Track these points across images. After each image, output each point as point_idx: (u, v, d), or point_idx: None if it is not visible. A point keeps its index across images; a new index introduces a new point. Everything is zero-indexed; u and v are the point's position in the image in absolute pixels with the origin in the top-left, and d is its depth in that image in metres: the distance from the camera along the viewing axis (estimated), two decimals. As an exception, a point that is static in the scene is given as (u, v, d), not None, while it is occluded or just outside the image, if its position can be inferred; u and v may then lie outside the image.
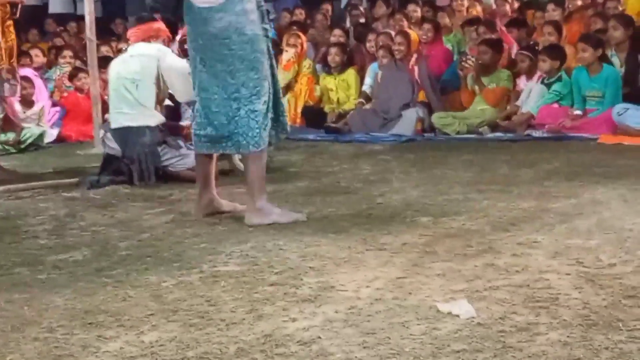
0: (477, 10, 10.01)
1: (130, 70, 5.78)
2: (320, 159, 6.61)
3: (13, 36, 6.32)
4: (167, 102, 6.12)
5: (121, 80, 5.80)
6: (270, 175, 5.66)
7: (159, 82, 5.78)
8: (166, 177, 5.78)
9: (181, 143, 5.89)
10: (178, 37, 6.58)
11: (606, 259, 3.24)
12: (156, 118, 5.79)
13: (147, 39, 5.92)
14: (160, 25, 6.07)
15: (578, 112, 7.51)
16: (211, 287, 3.11)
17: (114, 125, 5.85)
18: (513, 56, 8.49)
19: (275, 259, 3.48)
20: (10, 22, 6.27)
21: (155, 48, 5.83)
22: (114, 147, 5.83)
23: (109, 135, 5.88)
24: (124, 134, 5.76)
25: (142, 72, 5.75)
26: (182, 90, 5.75)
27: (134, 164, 5.67)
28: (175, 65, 5.75)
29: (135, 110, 5.74)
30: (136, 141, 5.70)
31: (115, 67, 5.95)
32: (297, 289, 3.03)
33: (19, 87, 6.48)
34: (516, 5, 10.27)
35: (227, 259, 3.52)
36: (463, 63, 8.35)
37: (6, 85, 6.22)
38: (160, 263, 3.50)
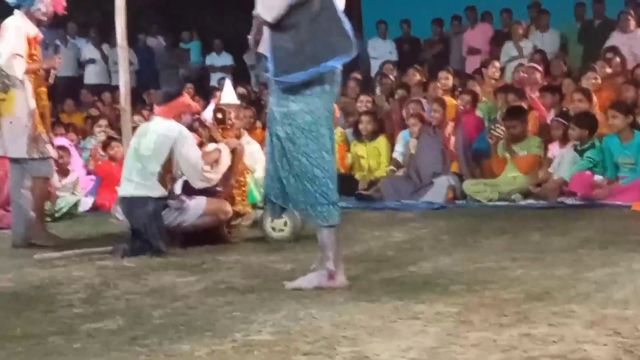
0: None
1: (144, 145, 5.85)
2: (352, 227, 6.61)
3: (45, 102, 6.46)
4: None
5: (135, 150, 5.90)
6: (301, 243, 5.72)
7: (169, 163, 5.81)
8: (188, 236, 5.89)
9: (183, 197, 5.91)
10: (212, 107, 6.67)
11: (644, 329, 3.19)
12: (159, 191, 5.80)
13: (177, 115, 6.00)
14: (187, 99, 6.18)
15: (599, 177, 7.49)
16: (244, 356, 3.09)
17: (121, 193, 5.94)
18: (549, 122, 8.49)
19: (308, 328, 3.46)
20: (42, 89, 6.41)
21: (177, 130, 5.85)
22: (121, 218, 5.92)
23: (118, 207, 5.96)
24: (129, 204, 5.83)
25: (154, 150, 5.79)
26: (192, 179, 5.89)
27: (141, 236, 5.72)
28: (189, 158, 5.82)
29: (143, 179, 5.79)
30: (140, 212, 5.74)
31: (137, 135, 6.04)
32: (330, 358, 3.01)
33: (53, 151, 6.57)
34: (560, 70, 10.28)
35: (260, 328, 3.50)
36: (492, 131, 8.38)
37: (48, 147, 6.35)
38: (193, 332, 3.49)
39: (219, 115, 6.37)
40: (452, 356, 2.96)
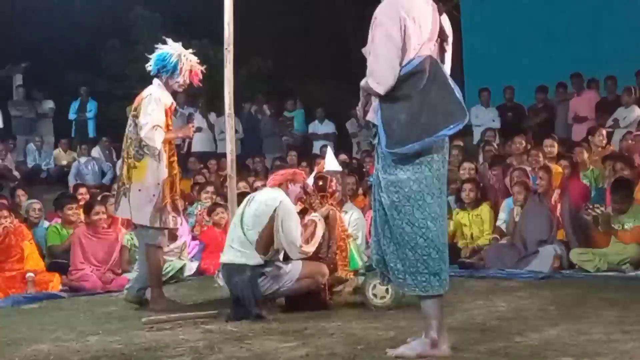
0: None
1: (247, 213, 5.95)
2: (455, 295, 6.50)
3: (176, 171, 6.60)
4: None
5: (239, 218, 5.99)
6: (403, 310, 5.67)
7: (267, 232, 5.84)
8: (290, 301, 5.98)
9: (280, 264, 5.93)
10: (313, 174, 6.75)
11: None
12: (256, 259, 5.83)
13: (284, 182, 6.09)
14: (297, 169, 6.27)
15: None
16: None
17: (222, 260, 6.03)
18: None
19: (411, 397, 3.42)
20: (174, 158, 6.57)
21: (279, 200, 5.92)
22: (222, 284, 6.00)
23: (220, 273, 6.06)
24: (228, 271, 5.92)
25: (255, 218, 5.87)
26: (290, 253, 5.93)
27: (240, 302, 5.77)
28: (288, 233, 5.85)
29: (242, 247, 5.86)
30: (238, 279, 5.80)
31: (243, 204, 6.12)
32: None
33: (179, 219, 6.73)
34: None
35: (362, 396, 3.48)
36: (589, 210, 8.13)
37: (170, 218, 6.50)
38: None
39: (320, 183, 6.44)
40: None
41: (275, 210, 5.86)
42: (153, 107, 6.36)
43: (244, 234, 5.86)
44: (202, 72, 6.70)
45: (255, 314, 5.67)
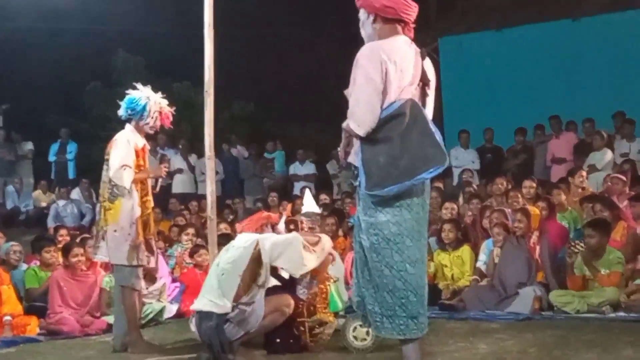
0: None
1: (225, 259, 5.96)
2: (436, 337, 6.50)
3: (149, 211, 6.64)
4: (285, 274, 6.15)
5: (215, 267, 6.00)
6: (384, 354, 5.65)
7: (248, 273, 5.83)
8: (270, 345, 5.96)
9: (244, 307, 5.84)
10: (284, 218, 6.77)
11: None
12: (223, 309, 5.81)
13: (259, 228, 6.11)
14: (265, 212, 6.30)
15: None
16: None
17: (193, 307, 6.03)
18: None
19: None
20: (147, 198, 6.61)
21: (254, 237, 5.99)
22: (194, 330, 5.98)
23: (193, 319, 6.04)
24: (198, 318, 5.91)
25: (233, 263, 5.88)
26: (294, 262, 5.85)
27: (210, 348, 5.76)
28: (286, 239, 5.88)
29: (213, 297, 5.85)
30: (205, 326, 5.79)
31: (222, 252, 6.15)
32: None
33: (152, 259, 6.73)
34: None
35: None
36: (572, 248, 8.15)
37: (144, 256, 6.48)
38: None
39: (292, 227, 6.42)
40: None
41: (254, 244, 5.86)
42: (121, 148, 6.47)
43: (218, 283, 5.84)
44: (172, 113, 6.82)
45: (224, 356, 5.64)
